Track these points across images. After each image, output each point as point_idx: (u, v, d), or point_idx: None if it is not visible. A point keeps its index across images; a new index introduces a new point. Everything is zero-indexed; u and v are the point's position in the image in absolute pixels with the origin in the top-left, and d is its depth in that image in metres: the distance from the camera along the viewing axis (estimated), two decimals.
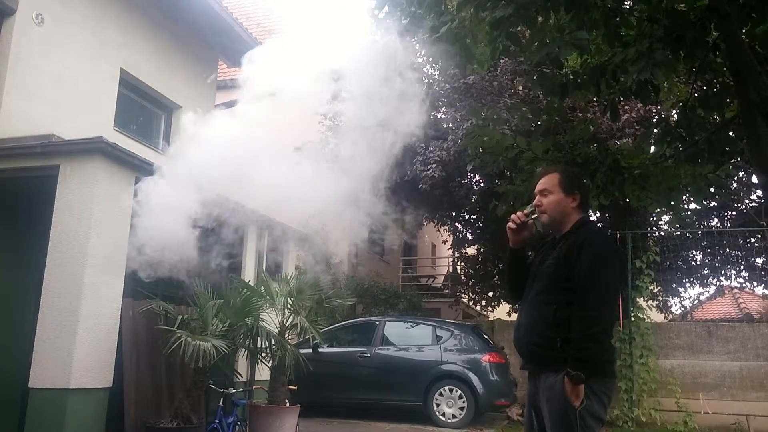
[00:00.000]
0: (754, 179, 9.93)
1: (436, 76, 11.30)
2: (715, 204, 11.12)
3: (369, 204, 5.88)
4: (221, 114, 9.00)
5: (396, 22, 4.32)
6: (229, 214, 6.08)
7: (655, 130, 5.61)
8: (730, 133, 4.67)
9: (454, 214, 12.70)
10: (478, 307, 14.59)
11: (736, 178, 10.37)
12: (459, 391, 8.66)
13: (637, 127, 9.60)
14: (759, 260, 12.47)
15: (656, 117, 9.48)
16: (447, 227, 13.71)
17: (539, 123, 5.43)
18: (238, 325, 6.22)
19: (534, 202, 2.70)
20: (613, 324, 2.68)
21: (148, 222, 5.52)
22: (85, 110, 7.22)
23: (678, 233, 11.10)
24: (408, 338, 9.47)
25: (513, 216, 2.73)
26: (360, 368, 9.08)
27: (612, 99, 4.48)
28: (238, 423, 6.18)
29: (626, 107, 9.54)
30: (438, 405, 8.70)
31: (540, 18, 3.86)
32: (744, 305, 18.84)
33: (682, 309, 15.17)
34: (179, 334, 5.51)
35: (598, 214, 10.49)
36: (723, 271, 13.04)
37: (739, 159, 6.45)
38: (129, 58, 8.25)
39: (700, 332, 9.71)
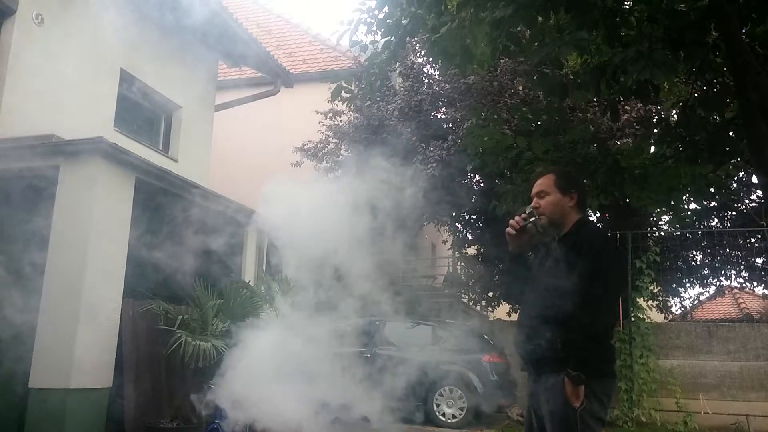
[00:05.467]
0: (754, 179, 9.93)
1: (436, 76, 11.30)
2: (715, 204, 11.11)
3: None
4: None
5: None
6: (229, 214, 6.08)
7: (655, 130, 5.61)
8: (730, 133, 4.68)
9: (454, 214, 12.70)
10: (478, 307, 14.58)
11: (736, 178, 10.36)
12: (459, 391, 8.65)
13: (637, 127, 9.59)
14: (759, 260, 12.46)
15: (656, 117, 9.48)
16: (447, 227, 13.70)
17: (539, 123, 5.43)
18: (238, 325, 6.21)
19: (532, 204, 2.71)
20: (613, 325, 2.68)
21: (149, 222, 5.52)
22: (85, 110, 7.21)
23: (678, 233, 11.09)
24: (408, 338, 9.46)
25: (511, 221, 2.72)
26: (360, 368, 9.06)
27: (612, 99, 4.49)
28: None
29: (626, 107, 9.53)
30: (438, 405, 8.69)
31: (540, 18, 3.86)
32: (744, 305, 18.83)
33: (682, 309, 15.16)
34: (179, 334, 5.51)
35: (598, 214, 10.49)
36: (723, 271, 13.04)
37: (739, 159, 6.45)
38: (129, 58, 8.25)
39: (700, 332, 9.70)
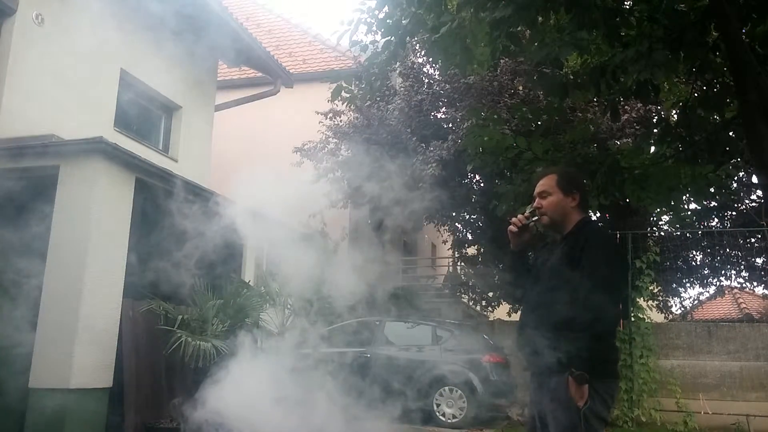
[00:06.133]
0: (754, 179, 9.93)
1: (436, 76, 11.30)
2: (715, 204, 11.11)
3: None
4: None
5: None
6: (229, 214, 6.07)
7: (655, 130, 5.61)
8: (730, 133, 4.67)
9: (454, 214, 12.70)
10: (478, 307, 14.59)
11: (736, 178, 10.36)
12: (459, 391, 8.65)
13: (637, 127, 9.59)
14: (759, 260, 12.46)
15: (656, 117, 9.48)
16: (447, 227, 13.70)
17: (539, 123, 5.43)
18: (238, 325, 6.22)
19: (534, 204, 2.71)
20: (616, 324, 2.67)
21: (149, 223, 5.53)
22: (85, 110, 7.22)
23: (678, 233, 11.09)
24: (408, 338, 9.46)
25: (514, 219, 2.73)
26: (360, 368, 9.06)
27: (612, 99, 4.48)
28: None
29: (626, 107, 9.53)
30: (438, 405, 8.69)
31: (540, 18, 3.85)
32: (744, 305, 18.84)
33: (682, 309, 15.17)
34: (179, 334, 5.51)
35: (598, 214, 10.49)
36: (723, 271, 13.04)
37: (739, 159, 6.45)
38: (129, 58, 8.24)
39: (700, 332, 9.70)
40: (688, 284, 13.56)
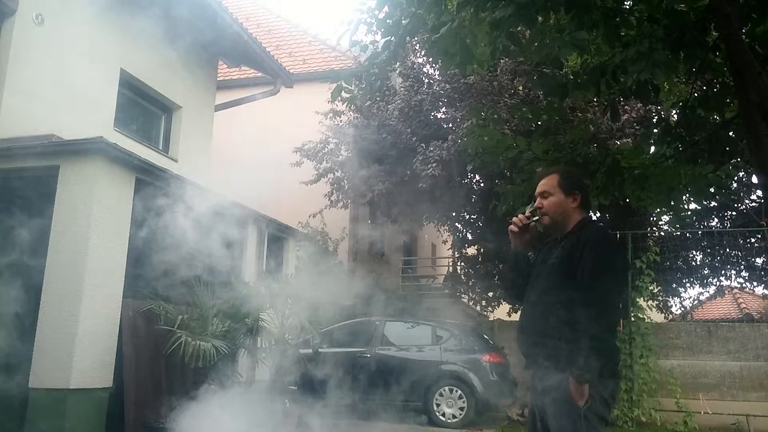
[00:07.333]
0: (754, 179, 9.93)
1: (436, 76, 11.30)
2: (715, 204, 11.12)
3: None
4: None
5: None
6: (229, 214, 6.08)
7: (655, 130, 5.60)
8: (730, 133, 4.67)
9: (454, 214, 12.70)
10: (478, 307, 14.59)
11: (736, 178, 10.36)
12: (459, 391, 8.66)
13: (637, 127, 9.60)
14: (759, 260, 12.48)
15: (656, 117, 9.48)
16: (447, 227, 13.71)
17: (539, 123, 5.42)
18: (238, 325, 6.22)
19: (535, 205, 2.70)
20: (617, 324, 2.67)
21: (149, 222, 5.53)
22: (85, 110, 7.21)
23: (678, 233, 11.10)
24: (408, 338, 9.47)
25: (515, 219, 2.72)
26: (360, 368, 9.07)
27: (612, 99, 4.48)
28: None
29: (626, 107, 9.54)
30: (438, 405, 8.70)
31: (540, 18, 3.85)
32: (744, 305, 18.85)
33: (682, 309, 15.19)
34: (179, 334, 5.51)
35: (598, 214, 10.49)
36: (723, 271, 13.06)
37: (739, 159, 6.45)
38: (129, 58, 8.24)
39: (700, 332, 9.71)
40: (688, 284, 13.58)
